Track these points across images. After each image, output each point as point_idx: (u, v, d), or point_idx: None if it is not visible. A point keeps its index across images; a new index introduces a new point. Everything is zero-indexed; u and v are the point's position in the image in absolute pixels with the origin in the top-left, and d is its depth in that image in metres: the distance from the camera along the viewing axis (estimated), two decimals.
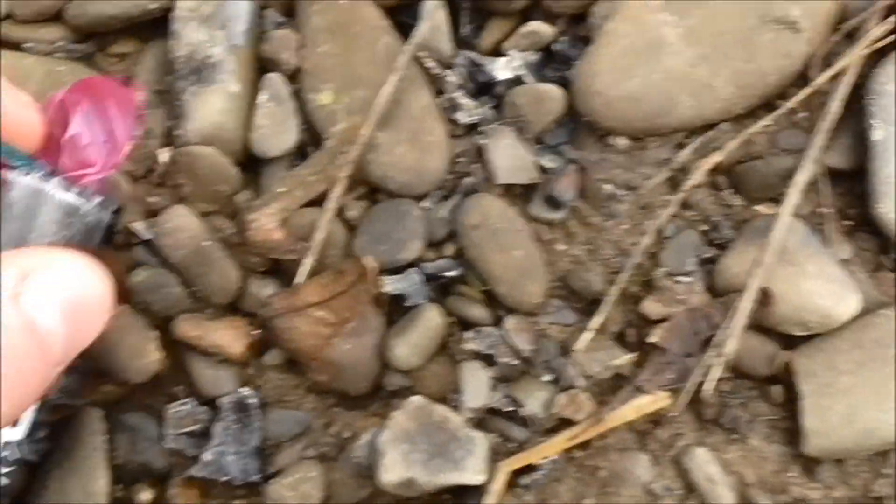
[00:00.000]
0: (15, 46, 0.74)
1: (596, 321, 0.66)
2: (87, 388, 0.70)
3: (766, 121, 0.66)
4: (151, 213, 0.71)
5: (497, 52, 0.73)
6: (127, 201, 0.70)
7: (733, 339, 0.63)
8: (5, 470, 0.61)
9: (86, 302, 0.46)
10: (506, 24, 0.73)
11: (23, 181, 0.58)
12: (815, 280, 0.64)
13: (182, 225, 0.69)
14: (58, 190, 0.58)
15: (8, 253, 0.47)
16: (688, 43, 0.67)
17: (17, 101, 0.54)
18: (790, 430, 0.66)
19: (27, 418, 0.61)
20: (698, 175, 0.67)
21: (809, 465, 0.66)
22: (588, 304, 0.69)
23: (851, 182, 0.68)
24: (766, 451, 0.67)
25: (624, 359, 0.66)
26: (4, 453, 0.60)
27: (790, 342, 0.66)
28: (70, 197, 0.59)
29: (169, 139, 0.72)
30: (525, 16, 0.73)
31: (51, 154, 0.62)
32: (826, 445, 0.64)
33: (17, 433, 0.61)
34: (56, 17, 0.76)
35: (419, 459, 0.66)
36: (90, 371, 0.70)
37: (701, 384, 0.65)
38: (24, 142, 0.56)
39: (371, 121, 0.69)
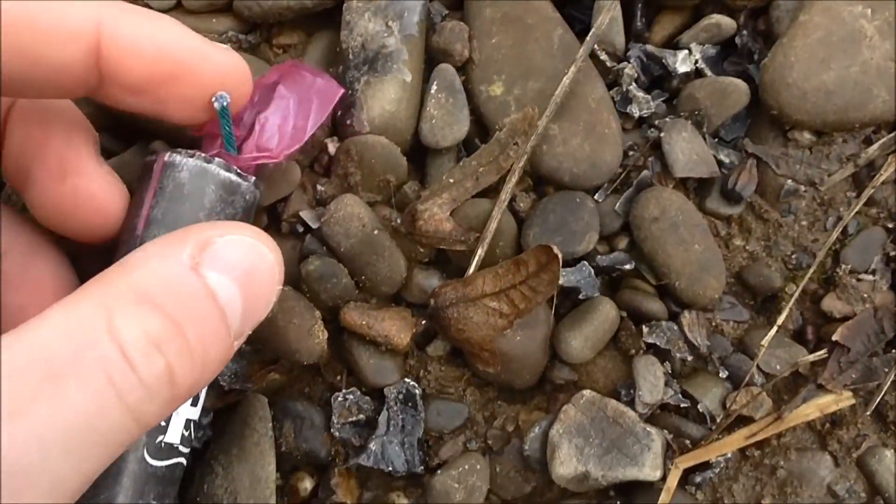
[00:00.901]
0: None
1: (781, 318, 0.65)
2: (255, 375, 0.70)
3: None
4: (319, 203, 0.71)
5: (670, 45, 0.73)
6: (295, 188, 0.71)
7: None
8: (186, 450, 0.61)
9: (259, 273, 0.46)
10: (678, 17, 0.73)
11: (190, 162, 0.59)
12: None
13: (352, 213, 0.69)
14: (220, 169, 0.60)
15: (184, 228, 0.47)
16: (885, 36, 0.66)
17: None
18: None
19: (202, 397, 0.61)
20: (888, 171, 0.65)
21: None
22: (762, 301, 0.68)
23: None
24: None
25: (809, 357, 0.64)
26: (185, 432, 0.60)
27: None
28: (232, 175, 0.60)
29: (334, 129, 0.72)
30: (698, 10, 0.72)
31: (215, 127, 0.64)
32: None
33: (196, 412, 0.61)
34: (226, 9, 0.76)
35: (594, 454, 0.65)
36: (258, 357, 0.70)
37: (888, 385, 0.63)
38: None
39: (549, 112, 0.68)
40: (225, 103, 0.60)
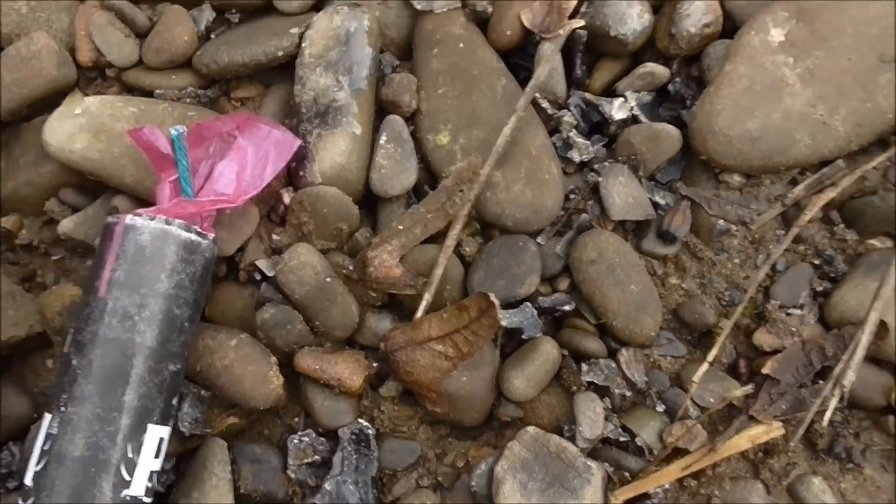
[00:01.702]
0: (148, 93, 0.78)
1: (712, 353, 0.67)
2: (214, 420, 0.72)
3: (882, 158, 0.67)
4: (275, 252, 0.74)
5: (609, 91, 0.76)
6: (253, 237, 0.74)
7: (852, 372, 0.64)
8: (149, 500, 0.63)
9: None
10: (616, 65, 0.76)
11: (151, 225, 0.63)
12: None
13: (305, 262, 0.72)
14: (181, 230, 0.63)
15: None
16: (807, 83, 0.69)
17: None
18: None
19: (164, 448, 0.64)
20: (812, 210, 0.68)
21: None
22: (699, 337, 0.70)
23: None
24: (881, 481, 0.67)
25: (739, 392, 0.67)
26: (149, 484, 0.63)
27: None
28: (192, 235, 0.64)
29: (289, 180, 0.75)
30: (636, 57, 0.75)
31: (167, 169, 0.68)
32: None
33: (158, 463, 0.63)
34: (185, 65, 0.79)
35: (537, 488, 0.67)
36: (217, 402, 0.73)
37: (816, 415, 0.65)
38: None
39: (491, 160, 0.71)
40: (180, 134, 0.63)
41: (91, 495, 0.59)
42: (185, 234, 0.64)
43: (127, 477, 0.60)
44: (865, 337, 0.64)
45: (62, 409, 0.60)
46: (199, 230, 0.65)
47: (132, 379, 0.61)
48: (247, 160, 0.71)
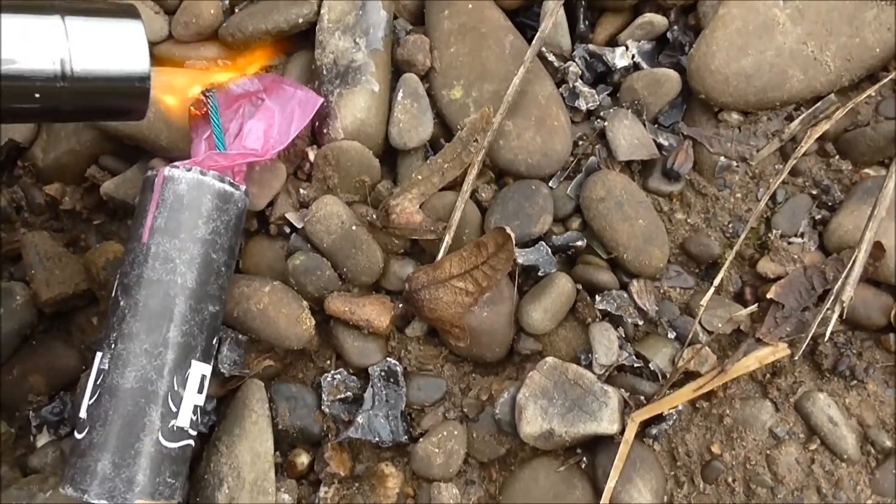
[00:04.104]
0: (179, 64, 0.83)
1: (718, 278, 0.72)
2: (252, 363, 0.77)
3: (871, 91, 0.71)
4: (302, 206, 0.78)
5: (612, 43, 0.80)
6: (281, 193, 0.79)
7: (850, 287, 0.68)
8: (194, 432, 0.68)
9: None
10: (618, 18, 0.80)
11: (188, 175, 0.68)
12: None
13: (331, 212, 0.76)
14: (215, 180, 0.68)
15: None
16: (796, 22, 0.73)
17: None
18: None
19: (206, 385, 0.69)
20: (808, 143, 0.72)
21: None
22: (706, 269, 0.75)
23: None
24: (884, 396, 0.71)
25: (744, 311, 0.71)
26: (193, 417, 0.67)
27: None
28: (226, 185, 0.68)
29: (313, 138, 0.80)
30: (637, 10, 0.80)
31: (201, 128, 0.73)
32: None
33: (202, 398, 0.68)
34: (213, 36, 0.84)
35: (557, 413, 0.72)
36: (254, 347, 0.77)
37: (819, 335, 0.69)
38: None
39: (502, 110, 0.76)
40: (212, 94, 0.68)
41: (141, 424, 0.64)
42: (219, 185, 0.69)
43: (174, 408, 0.65)
44: (862, 255, 0.67)
45: (112, 346, 0.65)
46: (232, 181, 0.70)
47: (175, 317, 0.66)
48: (273, 119, 0.76)
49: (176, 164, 0.69)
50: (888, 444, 0.70)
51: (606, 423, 0.71)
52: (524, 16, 0.82)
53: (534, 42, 0.77)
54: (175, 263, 0.66)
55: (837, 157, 0.74)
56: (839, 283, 0.68)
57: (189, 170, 0.68)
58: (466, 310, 0.74)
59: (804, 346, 0.68)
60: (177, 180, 0.68)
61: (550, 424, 0.71)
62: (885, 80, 0.72)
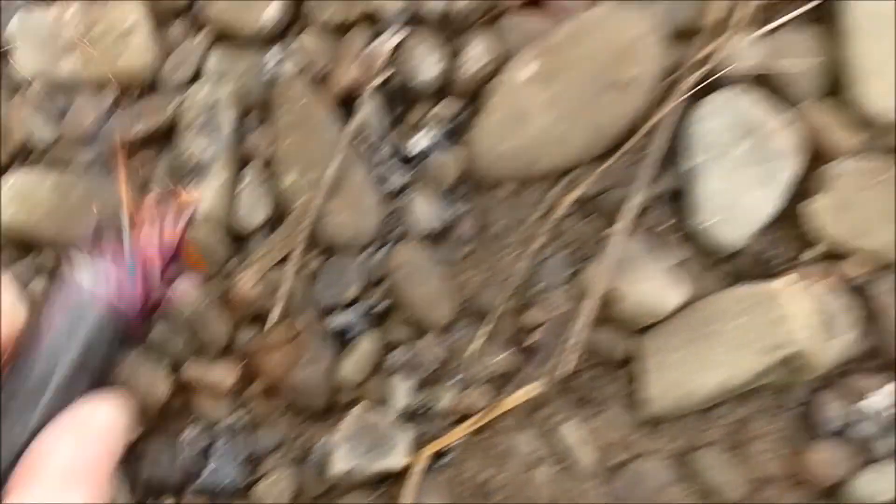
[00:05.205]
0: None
1: (483, 331, 0.83)
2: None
3: (611, 161, 0.83)
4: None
5: (418, 128, 0.93)
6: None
7: (581, 331, 0.79)
8: None
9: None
10: (424, 106, 0.93)
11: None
12: (647, 282, 0.81)
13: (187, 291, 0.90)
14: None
15: None
16: (550, 108, 0.85)
17: None
18: (640, 400, 0.83)
19: None
20: (563, 207, 0.84)
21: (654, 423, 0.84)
22: (484, 320, 0.86)
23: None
24: (622, 420, 0.83)
25: (499, 358, 0.83)
26: None
27: (637, 332, 0.82)
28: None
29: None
30: (438, 97, 0.92)
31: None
32: (665, 406, 0.81)
33: None
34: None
35: (360, 453, 0.83)
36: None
37: (569, 372, 0.81)
38: None
39: (321, 194, 0.89)
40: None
41: None
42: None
43: None
44: (590, 303, 0.78)
45: None
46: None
47: None
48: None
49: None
50: (624, 456, 0.82)
51: (399, 458, 0.82)
52: (355, 102, 0.95)
53: (343, 132, 0.90)
54: None
55: (593, 216, 0.86)
56: (578, 326, 0.79)
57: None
58: (291, 370, 0.87)
59: (549, 384, 0.79)
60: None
61: (353, 463, 0.83)
62: (619, 153, 0.84)
